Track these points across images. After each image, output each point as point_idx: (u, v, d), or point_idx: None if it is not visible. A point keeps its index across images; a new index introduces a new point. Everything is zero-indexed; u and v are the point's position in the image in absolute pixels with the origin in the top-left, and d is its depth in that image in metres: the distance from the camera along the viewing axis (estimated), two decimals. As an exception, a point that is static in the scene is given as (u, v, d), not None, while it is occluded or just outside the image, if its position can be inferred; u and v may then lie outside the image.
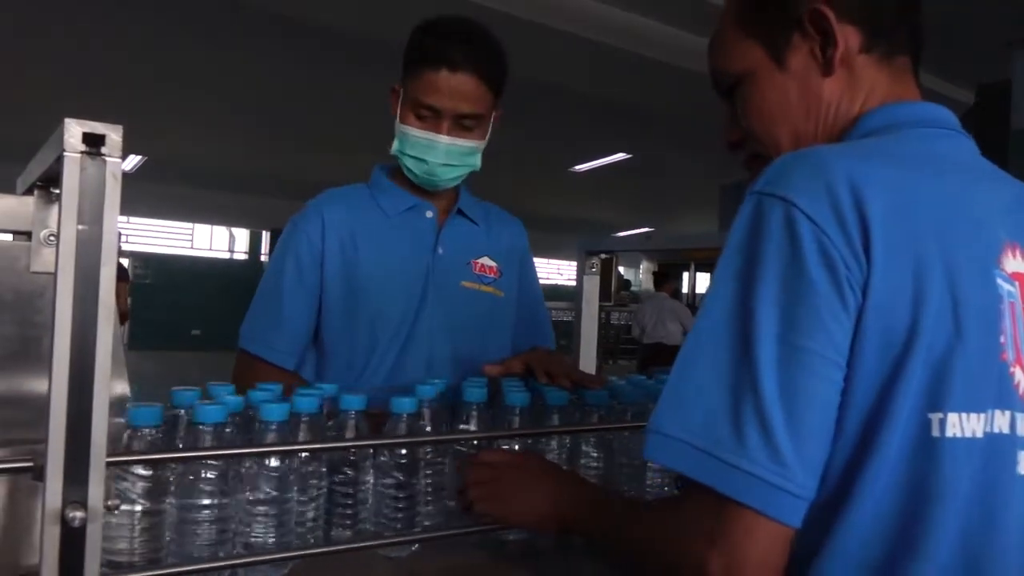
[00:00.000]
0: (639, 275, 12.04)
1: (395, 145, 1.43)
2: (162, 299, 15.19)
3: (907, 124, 0.79)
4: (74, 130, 0.62)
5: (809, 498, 0.64)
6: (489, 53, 1.40)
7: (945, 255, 0.66)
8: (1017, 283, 0.71)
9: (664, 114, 7.52)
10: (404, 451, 1.02)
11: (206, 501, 0.86)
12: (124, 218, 14.89)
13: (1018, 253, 0.73)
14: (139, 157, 10.59)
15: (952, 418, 0.64)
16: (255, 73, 7.18)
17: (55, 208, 0.63)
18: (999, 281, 0.70)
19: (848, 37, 0.80)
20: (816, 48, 0.81)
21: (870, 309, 0.63)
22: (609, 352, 12.98)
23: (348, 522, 1.01)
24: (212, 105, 8.29)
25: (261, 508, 0.90)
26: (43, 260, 0.84)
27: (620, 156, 9.87)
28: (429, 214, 1.51)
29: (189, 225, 16.07)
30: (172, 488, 0.85)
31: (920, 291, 0.64)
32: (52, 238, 0.83)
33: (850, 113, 0.82)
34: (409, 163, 1.43)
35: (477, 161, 1.45)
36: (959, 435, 0.65)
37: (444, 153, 1.40)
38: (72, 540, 0.62)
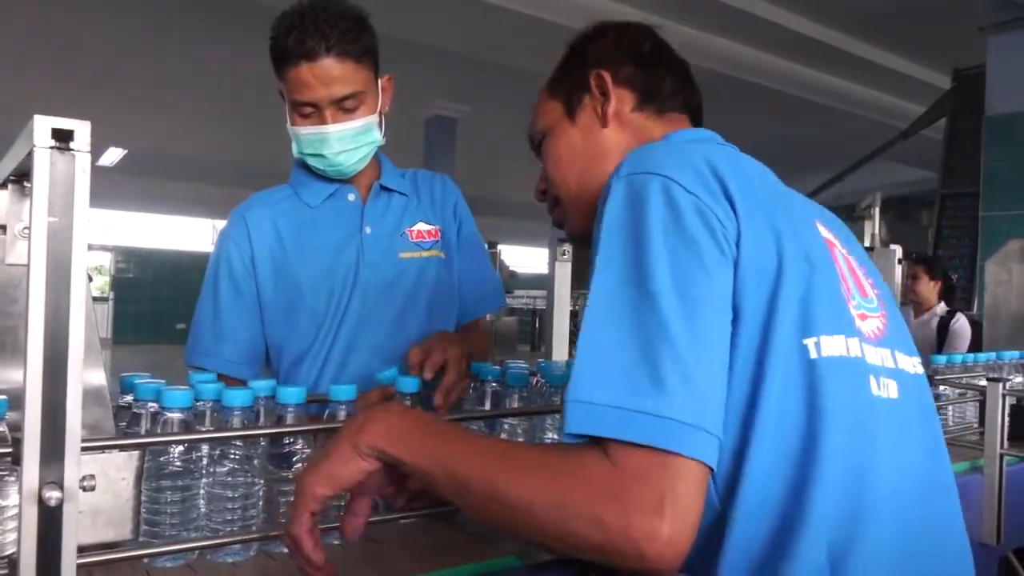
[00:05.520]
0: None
1: (293, 148, 1.43)
2: (145, 293, 15.14)
3: (702, 140, 0.92)
4: (43, 126, 0.64)
5: (721, 440, 0.66)
6: (343, 27, 1.34)
7: (788, 216, 0.77)
8: (828, 247, 0.81)
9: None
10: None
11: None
12: (106, 212, 14.79)
13: (823, 226, 0.84)
14: (121, 151, 10.51)
15: (824, 339, 0.72)
16: (237, 66, 7.15)
17: (28, 202, 0.65)
18: (822, 237, 0.82)
19: (622, 98, 0.96)
20: (598, 106, 0.97)
21: (744, 257, 0.71)
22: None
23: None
24: (194, 99, 8.24)
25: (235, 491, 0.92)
26: (18, 252, 0.86)
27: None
28: (351, 196, 1.50)
29: (172, 219, 15.99)
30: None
31: (779, 239, 0.73)
32: (26, 231, 0.85)
33: None
34: (311, 161, 1.43)
35: (376, 136, 1.43)
36: (833, 354, 0.72)
37: (337, 141, 1.38)
38: (49, 519, 0.65)
